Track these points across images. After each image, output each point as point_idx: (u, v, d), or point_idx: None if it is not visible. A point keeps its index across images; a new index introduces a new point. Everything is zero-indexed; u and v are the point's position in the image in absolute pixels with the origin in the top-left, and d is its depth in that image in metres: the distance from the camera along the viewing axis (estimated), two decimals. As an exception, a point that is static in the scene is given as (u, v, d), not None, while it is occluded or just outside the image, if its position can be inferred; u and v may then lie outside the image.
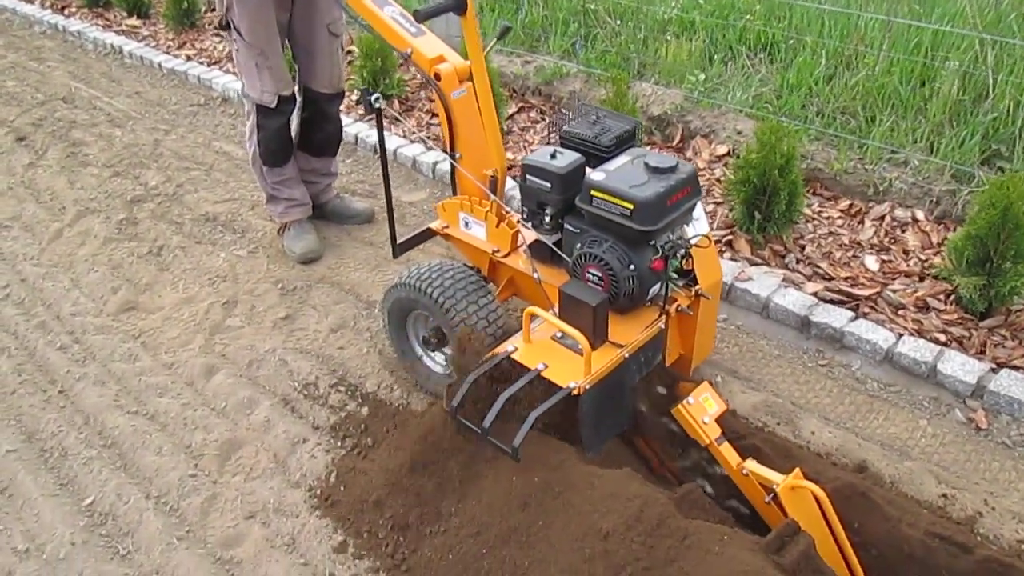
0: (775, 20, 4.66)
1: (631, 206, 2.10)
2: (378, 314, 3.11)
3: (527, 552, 2.11)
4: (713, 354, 2.96)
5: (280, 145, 3.40)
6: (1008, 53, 3.85)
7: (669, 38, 4.65)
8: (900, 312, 3.02)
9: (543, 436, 2.32)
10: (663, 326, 2.32)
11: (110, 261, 3.67)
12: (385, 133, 4.22)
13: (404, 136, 4.48)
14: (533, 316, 2.21)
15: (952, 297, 3.03)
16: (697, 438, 2.23)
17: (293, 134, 3.53)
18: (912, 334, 2.89)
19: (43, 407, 2.87)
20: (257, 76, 3.22)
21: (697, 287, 2.35)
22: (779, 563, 1.96)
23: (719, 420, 2.27)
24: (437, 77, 2.48)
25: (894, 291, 3.11)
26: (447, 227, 2.71)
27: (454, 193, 2.72)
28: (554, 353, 2.20)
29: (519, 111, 4.62)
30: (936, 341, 2.86)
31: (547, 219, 2.38)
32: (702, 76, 4.31)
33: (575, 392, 2.08)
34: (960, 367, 2.72)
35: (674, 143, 4.20)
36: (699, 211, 2.37)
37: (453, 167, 2.64)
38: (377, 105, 2.49)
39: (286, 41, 3.34)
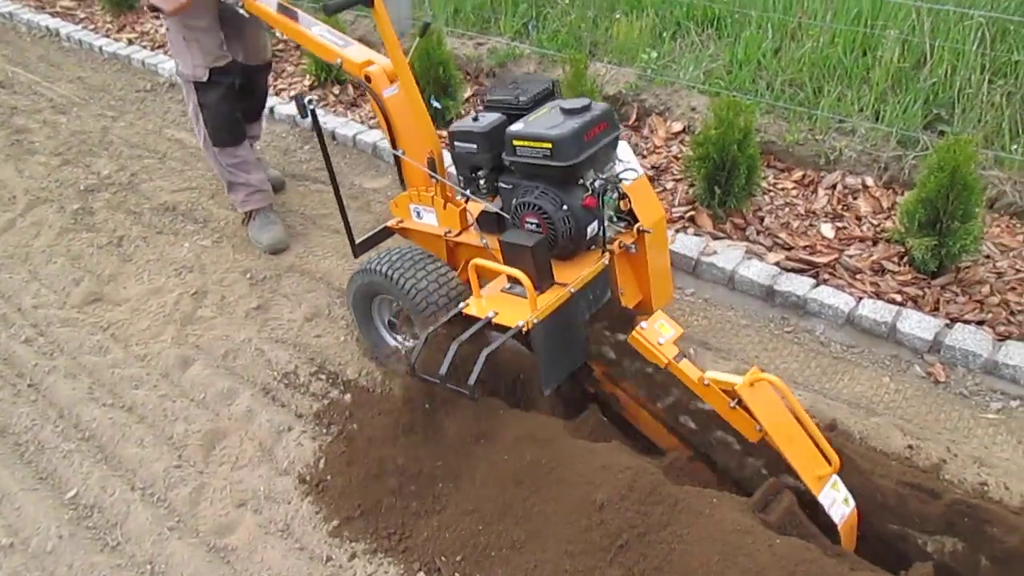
0: (721, -5, 4.75)
1: (549, 145, 2.20)
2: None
3: (524, 526, 2.17)
4: (684, 327, 3.04)
5: (225, 122, 3.36)
6: (943, 20, 4.01)
7: (619, 16, 4.71)
8: (858, 276, 3.15)
9: (531, 414, 2.38)
10: (607, 263, 2.40)
11: (69, 252, 3.59)
12: (343, 119, 4.22)
13: (363, 122, 4.45)
14: (479, 269, 2.29)
15: (905, 259, 3.18)
16: (655, 360, 2.23)
17: None
18: (870, 297, 3.03)
19: (13, 401, 2.82)
20: (187, 51, 3.20)
21: (638, 224, 2.43)
22: (766, 520, 2.07)
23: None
24: (368, 79, 2.63)
25: (850, 256, 3.25)
26: (402, 222, 2.81)
27: (403, 188, 2.80)
28: (503, 302, 2.28)
29: (474, 95, 4.63)
30: (893, 302, 3.00)
31: (482, 183, 2.47)
32: (654, 54, 4.38)
33: (524, 329, 2.15)
34: (917, 324, 2.86)
35: (630, 122, 4.27)
36: (627, 153, 2.47)
37: (398, 161, 2.74)
38: (311, 107, 2.58)
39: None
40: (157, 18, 5.93)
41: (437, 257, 2.61)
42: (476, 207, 2.59)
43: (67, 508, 2.44)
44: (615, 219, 2.44)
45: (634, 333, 2.25)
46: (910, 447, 2.52)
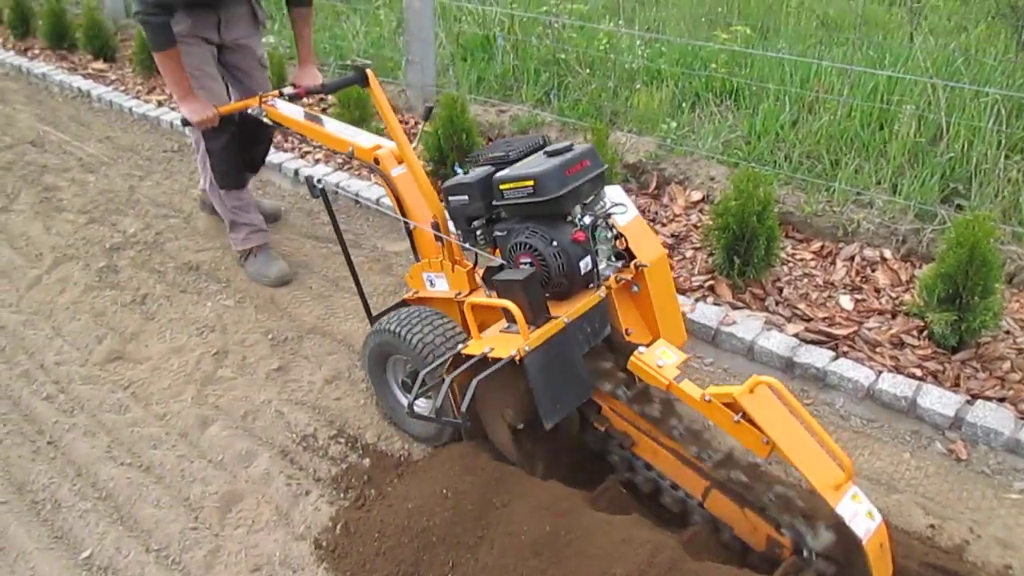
0: (738, 68, 4.85)
1: (532, 183, 2.31)
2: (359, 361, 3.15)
3: (543, 599, 2.15)
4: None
5: (231, 167, 3.56)
6: (959, 96, 4.08)
7: (639, 87, 4.81)
8: (877, 349, 3.15)
9: (550, 483, 2.37)
10: (603, 295, 2.44)
11: (92, 309, 3.64)
12: (366, 182, 4.31)
13: (384, 183, 4.53)
14: (475, 307, 2.39)
15: (925, 333, 3.18)
16: (655, 383, 2.20)
17: None
18: (890, 370, 3.02)
19: (32, 458, 2.83)
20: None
21: (635, 260, 2.49)
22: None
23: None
24: (377, 162, 2.83)
25: (870, 329, 3.25)
26: (417, 292, 2.90)
27: (416, 259, 2.91)
28: (500, 340, 2.32)
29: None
30: (913, 376, 2.99)
31: (479, 233, 2.57)
32: (674, 124, 4.46)
33: (517, 358, 2.17)
34: (938, 400, 2.84)
35: (650, 190, 4.32)
36: (621, 195, 2.55)
37: (410, 235, 2.88)
38: (320, 186, 2.78)
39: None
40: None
41: (445, 314, 2.68)
42: (482, 269, 2.69)
43: (81, 569, 2.43)
44: (613, 258, 2.50)
45: (632, 358, 2.24)
46: (932, 526, 2.48)
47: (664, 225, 4.06)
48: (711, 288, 3.57)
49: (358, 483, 2.64)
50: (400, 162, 2.82)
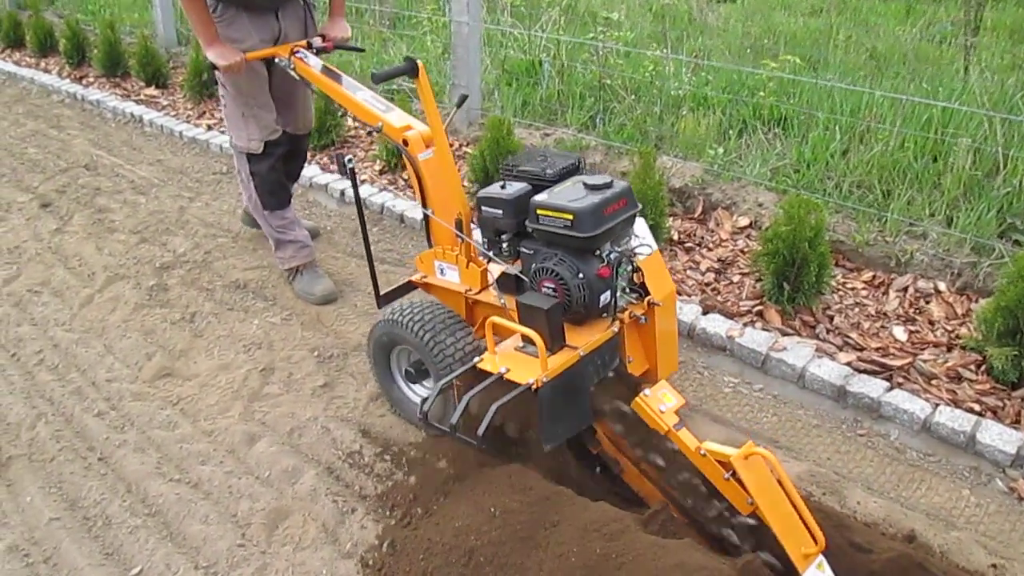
0: (786, 97, 4.83)
1: (571, 217, 2.35)
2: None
3: (592, 624, 2.11)
4: (754, 424, 3.00)
5: (276, 187, 3.71)
6: (1016, 131, 4.01)
7: (685, 113, 4.80)
8: (933, 382, 3.08)
9: (599, 504, 2.34)
10: (616, 330, 2.51)
11: (143, 327, 3.68)
12: (412, 202, 4.36)
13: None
14: (496, 327, 2.41)
15: (983, 367, 3.10)
16: (655, 427, 2.33)
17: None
18: (948, 403, 2.94)
19: (84, 474, 2.85)
20: (244, 126, 3.54)
21: (649, 297, 2.56)
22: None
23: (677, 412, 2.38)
24: (405, 143, 2.80)
25: (925, 361, 3.18)
26: (425, 277, 2.94)
27: (429, 245, 2.95)
28: (516, 360, 2.39)
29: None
30: (971, 411, 2.91)
31: (504, 246, 2.63)
32: (720, 150, 4.44)
33: (534, 387, 2.25)
34: (998, 437, 2.76)
35: (696, 215, 4.30)
36: (644, 229, 2.63)
37: (427, 220, 2.90)
38: (350, 166, 2.80)
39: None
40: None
41: (456, 312, 2.76)
42: (496, 269, 2.74)
43: (130, 584, 2.43)
44: (627, 290, 2.55)
45: (638, 399, 2.35)
46: (994, 566, 2.40)
47: (710, 249, 4.03)
48: (759, 314, 3.53)
49: (404, 501, 2.62)
50: (428, 146, 2.81)
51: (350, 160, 2.81)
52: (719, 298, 3.66)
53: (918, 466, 2.80)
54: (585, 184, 2.45)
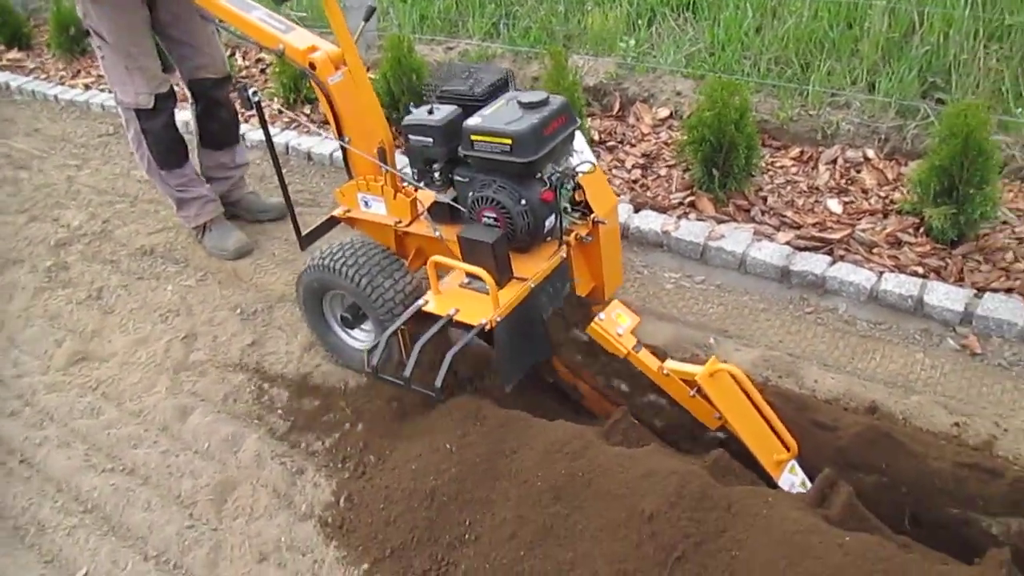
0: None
1: (509, 141, 2.19)
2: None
3: (568, 547, 2.03)
4: (700, 316, 2.93)
5: (171, 145, 3.39)
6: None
7: (591, 7, 4.59)
8: (874, 251, 3.04)
9: (558, 423, 2.24)
10: (565, 256, 2.40)
11: (46, 312, 3.40)
12: (317, 138, 4.11)
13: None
14: (438, 265, 2.30)
15: (922, 229, 3.07)
16: (614, 351, 2.30)
17: (191, 131, 3.53)
18: (891, 270, 2.92)
19: (6, 481, 2.63)
20: (128, 80, 3.17)
21: (593, 215, 2.44)
22: (827, 515, 1.94)
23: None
24: (312, 67, 2.52)
25: (863, 231, 3.14)
26: (349, 211, 2.75)
27: (349, 177, 2.73)
28: (464, 299, 2.29)
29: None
30: (915, 274, 2.89)
31: (437, 175, 2.44)
32: (632, 42, 4.27)
33: (487, 327, 2.16)
34: (945, 296, 2.74)
35: (614, 112, 4.15)
36: (581, 143, 2.48)
37: (344, 151, 2.66)
38: (256, 99, 2.57)
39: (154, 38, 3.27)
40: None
41: (389, 250, 2.60)
42: (427, 196, 2.57)
43: (77, 588, 2.26)
44: (570, 210, 2.44)
45: (593, 324, 2.30)
46: (957, 424, 2.40)
47: (633, 146, 3.90)
48: (692, 204, 3.43)
49: (355, 451, 2.48)
50: (338, 68, 2.53)
51: (255, 93, 2.56)
52: (648, 194, 3.55)
53: (870, 336, 2.77)
54: (520, 103, 2.29)
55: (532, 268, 2.34)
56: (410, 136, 2.42)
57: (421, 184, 2.51)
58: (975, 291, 2.77)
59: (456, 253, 2.40)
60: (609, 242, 2.57)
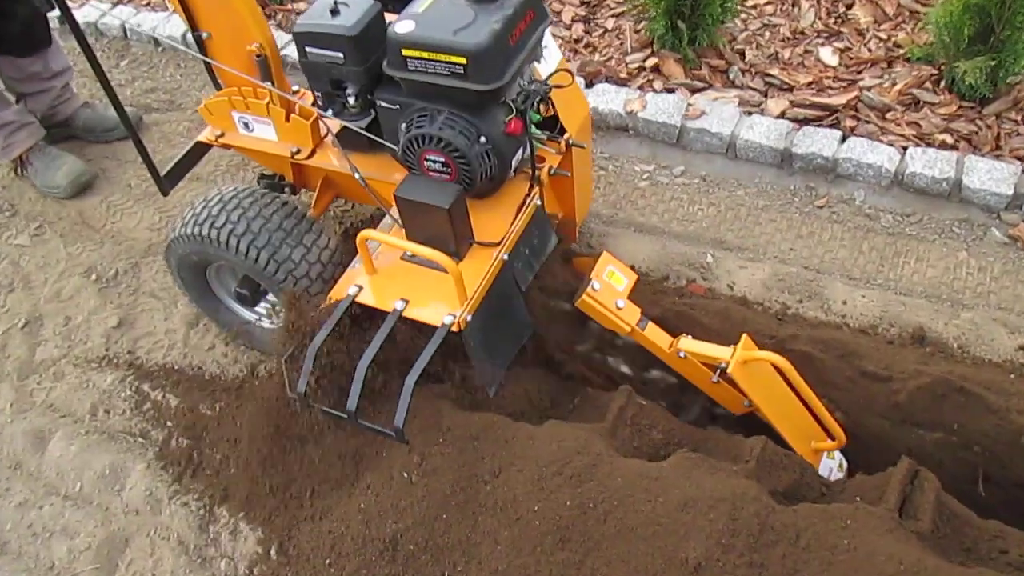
0: None
1: (463, 61, 1.54)
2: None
3: (590, 615, 1.54)
4: (686, 221, 2.36)
5: None
6: None
7: None
8: (889, 115, 2.47)
9: (549, 426, 1.70)
10: (540, 202, 1.83)
11: None
12: (163, 13, 3.19)
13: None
14: (370, 241, 1.68)
15: (942, 84, 2.50)
16: (616, 329, 1.84)
17: None
18: (915, 143, 2.36)
19: None
20: None
21: (566, 135, 1.87)
22: (918, 530, 1.49)
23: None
24: None
25: (870, 89, 2.54)
26: (222, 135, 2.05)
27: (216, 87, 2.05)
28: (412, 279, 1.70)
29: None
30: (944, 146, 2.35)
31: (352, 100, 1.76)
32: None
33: (454, 329, 1.61)
34: (987, 176, 2.23)
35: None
36: (549, 39, 1.84)
37: (200, 46, 1.92)
38: None
39: None
40: None
41: (288, 200, 1.96)
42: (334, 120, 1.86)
43: None
44: (536, 132, 1.84)
45: (585, 297, 1.80)
46: (1022, 348, 1.96)
47: (571, -7, 3.12)
48: (656, 69, 2.75)
49: (283, 483, 1.87)
50: None
51: None
52: (597, 57, 2.84)
53: (899, 234, 2.26)
54: None
55: (499, 223, 1.76)
56: (307, 48, 1.71)
57: (328, 113, 1.79)
58: (1020, 164, 2.25)
59: (385, 195, 1.77)
60: (584, 165, 1.99)
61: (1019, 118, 2.38)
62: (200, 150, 2.17)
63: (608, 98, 2.62)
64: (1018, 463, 1.79)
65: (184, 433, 2.03)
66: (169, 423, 2.06)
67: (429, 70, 1.59)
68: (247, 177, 2.62)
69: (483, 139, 1.64)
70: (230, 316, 2.14)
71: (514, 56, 1.61)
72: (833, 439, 1.79)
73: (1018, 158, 2.29)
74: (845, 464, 1.91)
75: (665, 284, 2.21)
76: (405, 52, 1.59)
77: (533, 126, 1.76)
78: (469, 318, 1.62)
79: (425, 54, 1.57)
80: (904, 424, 1.87)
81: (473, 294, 1.64)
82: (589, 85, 2.70)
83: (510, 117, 1.64)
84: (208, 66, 2.01)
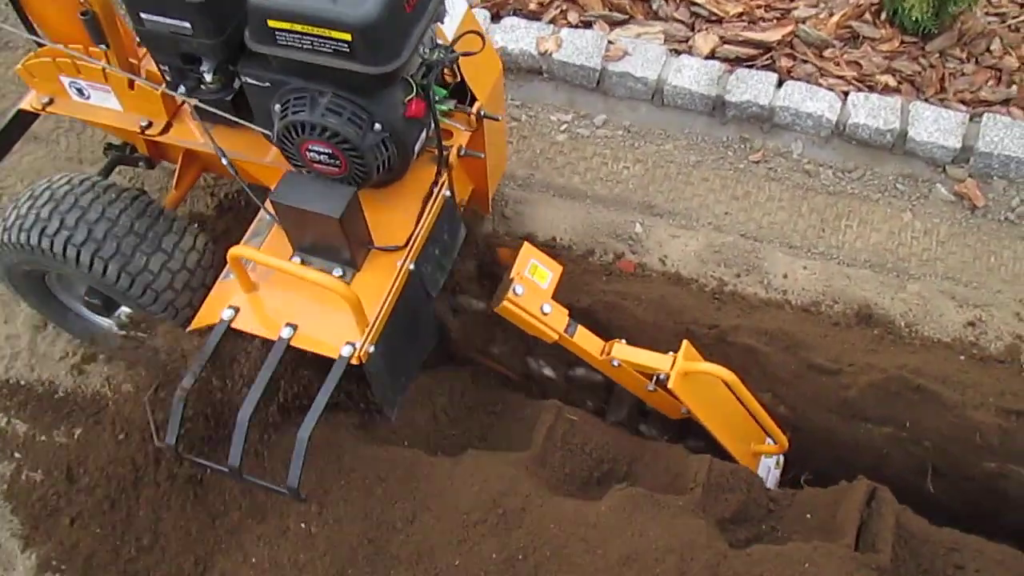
0: None
1: (347, 37, 1.25)
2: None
3: None
4: (610, 180, 2.11)
5: None
6: None
7: None
8: (827, 53, 2.23)
9: (469, 458, 1.50)
10: (449, 192, 1.56)
11: None
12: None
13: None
14: (246, 260, 1.41)
15: (882, 14, 2.26)
16: (542, 336, 1.63)
17: None
18: (856, 87, 2.15)
19: None
20: None
21: (477, 105, 1.58)
22: (880, 567, 1.36)
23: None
24: None
25: (805, 21, 2.29)
26: (51, 102, 1.70)
27: (32, 34, 1.64)
28: (300, 294, 1.41)
29: None
30: (887, 89, 2.14)
31: (208, 76, 1.47)
32: None
33: (354, 362, 1.37)
34: (934, 126, 2.04)
35: None
36: None
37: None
38: None
39: None
40: None
41: (141, 192, 1.64)
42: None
43: None
44: (441, 106, 1.54)
45: (505, 302, 1.57)
46: (971, 324, 1.88)
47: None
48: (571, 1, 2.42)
49: (162, 529, 1.60)
50: None
51: None
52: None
53: (840, 193, 2.07)
54: None
55: (402, 219, 1.49)
56: (144, 15, 1.37)
57: (179, 92, 1.46)
58: (967, 112, 2.07)
59: (261, 176, 1.54)
60: (496, 133, 1.72)
61: (963, 55, 2.19)
62: (24, 120, 1.80)
63: (518, 35, 2.29)
64: (969, 458, 1.69)
65: (31, 465, 1.71)
66: (16, 454, 1.74)
67: (304, 46, 1.27)
68: (97, 137, 2.20)
69: (378, 126, 1.35)
70: (82, 324, 1.80)
71: (412, 26, 1.31)
72: (776, 443, 1.66)
73: (963, 102, 2.11)
74: (782, 461, 1.81)
75: (591, 261, 1.97)
76: (272, 23, 1.26)
77: (438, 99, 1.45)
78: (371, 350, 1.35)
79: (297, 27, 1.25)
80: (853, 419, 1.73)
81: (375, 319, 1.37)
82: (495, 19, 2.35)
83: (411, 98, 1.35)
84: (17, 8, 1.57)
